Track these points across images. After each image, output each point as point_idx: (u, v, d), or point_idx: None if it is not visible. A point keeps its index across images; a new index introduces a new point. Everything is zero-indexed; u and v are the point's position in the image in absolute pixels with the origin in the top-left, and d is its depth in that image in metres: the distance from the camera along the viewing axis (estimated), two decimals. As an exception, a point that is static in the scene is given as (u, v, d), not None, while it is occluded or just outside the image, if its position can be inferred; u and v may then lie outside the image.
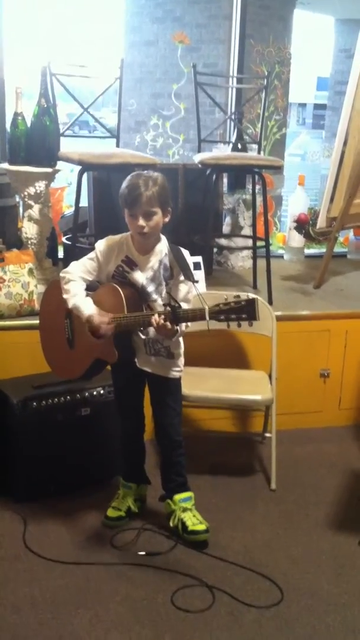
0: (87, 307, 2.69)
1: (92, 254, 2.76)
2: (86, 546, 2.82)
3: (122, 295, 2.65)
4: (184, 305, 2.68)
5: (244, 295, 2.55)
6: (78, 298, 2.71)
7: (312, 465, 3.54)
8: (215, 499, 3.18)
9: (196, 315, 2.56)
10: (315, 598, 2.59)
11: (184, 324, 2.65)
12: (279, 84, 5.93)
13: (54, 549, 2.78)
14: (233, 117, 4.91)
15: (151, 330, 2.68)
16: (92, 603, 2.51)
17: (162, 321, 2.55)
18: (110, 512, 2.96)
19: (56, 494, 3.09)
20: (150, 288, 2.71)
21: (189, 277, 2.69)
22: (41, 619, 2.42)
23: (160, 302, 2.71)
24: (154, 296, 2.72)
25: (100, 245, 2.76)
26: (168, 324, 2.55)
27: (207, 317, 2.51)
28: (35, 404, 3.04)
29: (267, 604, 2.53)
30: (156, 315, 2.56)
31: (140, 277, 2.71)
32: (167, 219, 2.70)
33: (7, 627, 2.38)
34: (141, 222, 2.63)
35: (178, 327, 2.63)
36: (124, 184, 2.66)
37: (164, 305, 2.65)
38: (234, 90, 5.20)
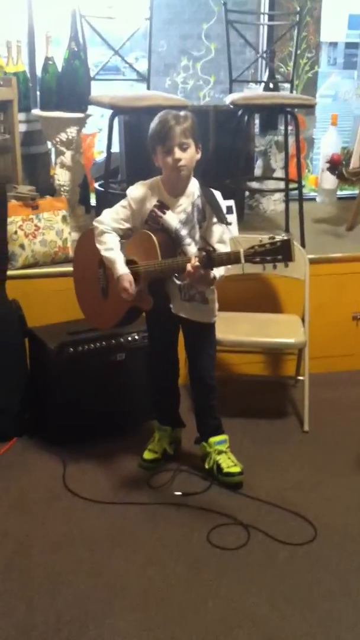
0: (120, 266, 2.70)
1: (124, 202, 2.76)
2: (123, 487, 2.90)
3: (156, 242, 2.66)
4: (221, 247, 2.68)
5: (278, 236, 2.52)
6: (114, 253, 2.72)
7: (344, 408, 3.57)
8: (249, 441, 3.23)
9: (231, 258, 2.54)
10: (348, 536, 2.64)
11: (219, 274, 2.65)
12: (311, 20, 5.78)
13: (92, 489, 2.87)
14: (264, 55, 4.83)
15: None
16: (129, 541, 2.59)
17: (196, 265, 2.56)
18: (147, 455, 3.03)
19: (93, 437, 3.16)
20: (184, 232, 2.71)
21: (222, 220, 2.68)
22: (80, 555, 2.51)
23: (194, 246, 2.71)
24: (188, 240, 2.71)
25: (132, 191, 2.76)
26: (202, 270, 2.56)
27: (243, 260, 2.50)
28: (71, 349, 3.10)
29: (300, 542, 2.60)
30: (192, 260, 2.57)
31: (173, 220, 2.71)
32: (198, 156, 2.70)
33: (47, 563, 2.48)
34: (178, 154, 2.61)
35: (215, 275, 2.62)
36: (154, 123, 2.66)
37: (199, 249, 2.65)
38: (265, 28, 5.10)
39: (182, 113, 2.66)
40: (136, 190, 2.75)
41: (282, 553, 2.55)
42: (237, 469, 2.91)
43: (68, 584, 2.38)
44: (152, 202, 2.73)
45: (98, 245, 2.75)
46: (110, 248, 2.73)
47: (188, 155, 2.64)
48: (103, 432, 3.19)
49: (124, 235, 2.77)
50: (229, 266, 2.64)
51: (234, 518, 2.71)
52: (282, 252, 2.48)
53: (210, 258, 2.55)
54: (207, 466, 2.95)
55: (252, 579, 2.42)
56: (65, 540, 2.59)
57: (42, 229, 3.54)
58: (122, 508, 2.77)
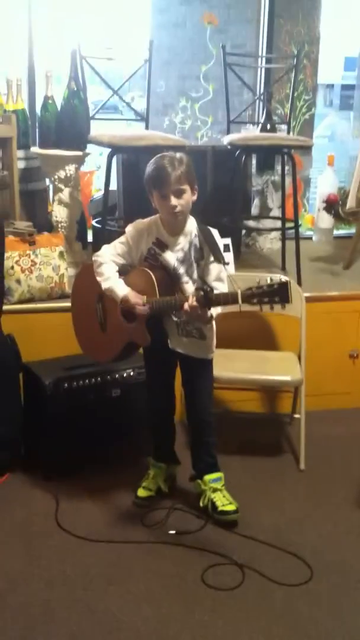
0: (121, 288, 2.72)
1: (122, 238, 2.79)
2: (117, 525, 2.87)
3: (154, 279, 2.67)
4: (218, 285, 2.69)
5: (276, 278, 2.53)
6: (112, 280, 2.74)
7: (340, 446, 3.56)
8: (245, 478, 3.21)
9: (228, 299, 2.56)
10: (345, 575, 2.61)
11: (215, 312, 2.66)
12: (308, 63, 5.88)
13: (85, 527, 2.83)
14: (262, 97, 4.89)
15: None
16: (124, 579, 2.55)
17: (194, 303, 2.56)
18: (141, 492, 3.00)
19: (87, 473, 3.14)
20: (181, 270, 2.73)
21: (219, 259, 2.70)
22: (73, 594, 2.48)
23: (191, 284, 2.72)
24: (185, 278, 2.73)
25: (130, 228, 2.78)
26: (199, 310, 2.56)
27: (240, 301, 2.51)
28: (66, 385, 3.09)
29: (296, 582, 2.56)
30: (189, 300, 2.57)
31: (171, 258, 2.73)
32: (195, 197, 2.72)
33: (40, 602, 2.43)
34: (173, 201, 2.63)
35: (212, 313, 2.63)
36: (150, 167, 2.68)
37: (197, 289, 2.66)
38: (263, 70, 5.17)
39: (177, 156, 2.67)
40: (135, 228, 2.78)
41: (278, 593, 2.51)
42: (232, 507, 2.88)
43: (62, 623, 2.34)
44: (150, 240, 2.75)
45: (97, 278, 2.77)
46: (108, 277, 2.75)
47: (184, 200, 2.66)
48: (97, 468, 3.16)
49: (121, 271, 2.79)
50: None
51: (229, 558, 2.67)
52: (279, 295, 2.49)
53: (207, 298, 2.56)
54: (202, 504, 2.92)
55: (247, 620, 2.38)
56: (58, 578, 2.56)
57: (39, 265, 3.55)
58: (116, 546, 2.73)
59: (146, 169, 2.70)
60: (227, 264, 2.74)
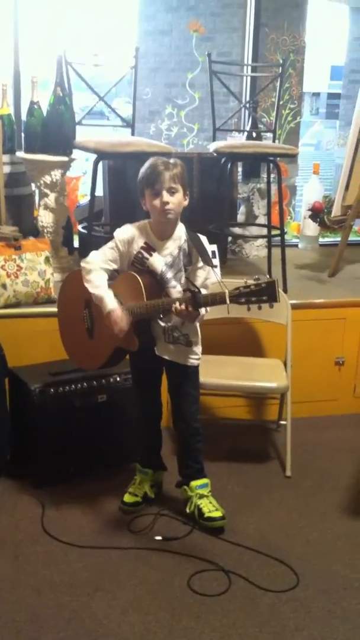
0: (110, 301, 2.70)
1: (111, 243, 2.77)
2: (103, 531, 2.85)
3: (141, 283, 2.67)
4: (202, 291, 2.70)
5: (263, 278, 2.54)
6: (101, 290, 2.73)
7: (327, 452, 3.56)
8: (231, 485, 3.20)
9: (216, 299, 2.56)
10: (331, 582, 2.61)
11: (204, 308, 2.66)
12: (294, 72, 5.92)
13: (71, 533, 2.81)
14: (248, 105, 4.91)
15: (172, 317, 2.69)
16: (110, 586, 2.54)
17: (182, 307, 2.57)
18: (127, 498, 2.99)
19: (73, 479, 3.12)
20: (169, 274, 2.73)
21: (208, 262, 2.70)
22: (60, 600, 2.46)
23: (179, 288, 2.72)
24: (173, 282, 2.73)
25: (119, 233, 2.77)
26: (190, 308, 2.57)
27: (228, 301, 2.52)
28: (52, 390, 3.07)
29: (283, 588, 2.56)
30: (177, 303, 2.58)
31: (159, 263, 2.72)
32: (186, 203, 2.73)
33: (26, 608, 2.41)
34: (166, 197, 2.64)
35: (199, 310, 2.63)
36: (144, 167, 2.70)
37: (184, 290, 2.66)
38: (249, 78, 5.19)
39: (171, 160, 2.70)
40: (124, 232, 2.77)
41: (264, 599, 2.50)
42: (218, 514, 2.87)
43: (48, 630, 2.32)
44: (139, 244, 2.75)
45: (86, 285, 2.75)
46: (98, 286, 2.73)
47: (176, 199, 2.67)
48: (84, 474, 3.15)
49: (111, 277, 2.78)
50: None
51: (215, 564, 2.66)
52: (267, 293, 2.50)
53: (196, 299, 2.57)
54: (188, 510, 2.91)
55: (234, 626, 2.37)
56: (44, 584, 2.54)
57: (25, 270, 3.54)
58: (102, 552, 2.72)
59: (140, 170, 2.71)
60: (216, 267, 2.74)
